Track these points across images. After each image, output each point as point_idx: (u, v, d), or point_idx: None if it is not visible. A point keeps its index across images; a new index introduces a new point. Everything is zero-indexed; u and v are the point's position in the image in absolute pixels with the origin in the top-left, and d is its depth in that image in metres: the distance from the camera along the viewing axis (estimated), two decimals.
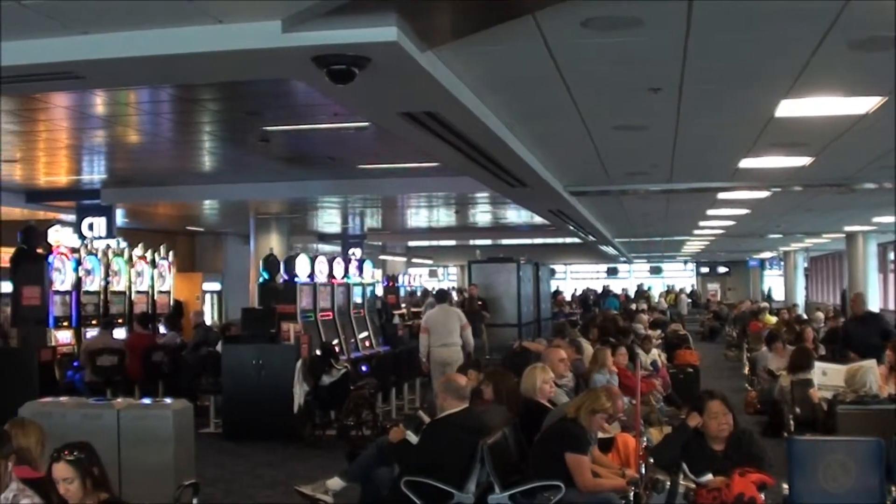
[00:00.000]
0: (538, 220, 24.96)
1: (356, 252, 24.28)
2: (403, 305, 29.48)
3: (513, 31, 6.53)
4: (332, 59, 6.24)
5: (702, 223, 25.56)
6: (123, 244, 18.61)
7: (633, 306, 31.97)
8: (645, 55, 7.44)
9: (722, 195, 17.53)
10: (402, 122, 8.83)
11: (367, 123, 11.98)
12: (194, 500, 5.11)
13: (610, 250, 40.66)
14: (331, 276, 16.49)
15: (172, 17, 5.99)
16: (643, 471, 7.81)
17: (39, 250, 15.95)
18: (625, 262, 53.73)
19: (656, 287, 53.36)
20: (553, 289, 37.42)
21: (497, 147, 10.60)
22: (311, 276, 15.86)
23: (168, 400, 10.76)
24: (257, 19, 5.96)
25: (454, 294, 31.07)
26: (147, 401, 11.39)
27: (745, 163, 13.09)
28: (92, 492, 5.02)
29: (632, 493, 7.57)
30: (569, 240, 35.07)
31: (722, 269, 57.81)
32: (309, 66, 6.34)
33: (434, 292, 22.15)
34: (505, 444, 7.98)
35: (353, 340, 16.60)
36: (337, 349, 14.74)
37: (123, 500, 5.18)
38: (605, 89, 8.83)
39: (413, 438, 8.31)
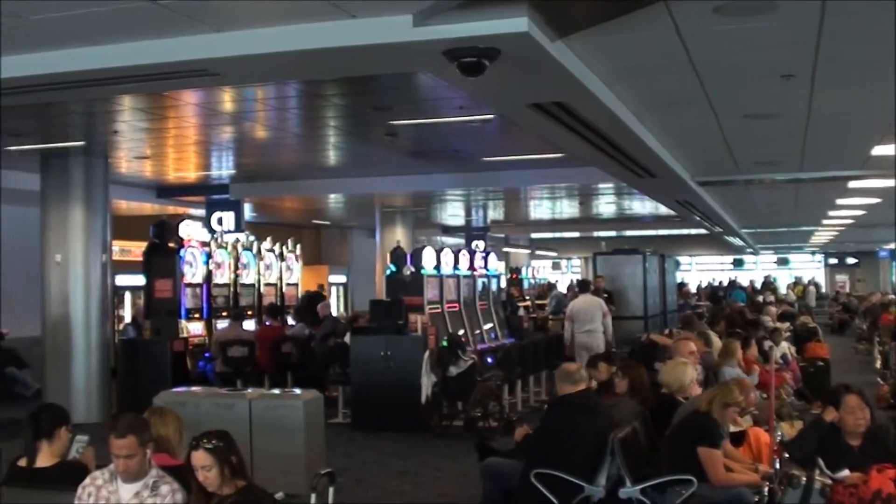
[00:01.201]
0: (663, 210, 24.70)
1: (480, 244, 24.33)
2: (527, 297, 29.41)
3: (644, 18, 6.47)
4: (462, 51, 6.25)
5: (831, 213, 25.01)
6: (252, 238, 18.90)
7: (760, 298, 31.35)
8: (778, 41, 7.31)
9: (853, 184, 17.11)
10: (531, 113, 8.81)
11: (492, 116, 11.98)
12: (330, 490, 5.16)
13: (736, 241, 39.99)
14: (456, 267, 16.51)
15: (306, 13, 6.06)
16: (777, 466, 7.66)
17: (171, 244, 16.29)
18: (751, 253, 52.77)
19: (782, 279, 52.28)
20: (678, 280, 36.93)
21: (625, 137, 10.52)
22: (438, 267, 15.89)
23: (298, 390, 10.92)
24: (389, 14, 6.00)
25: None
26: (278, 391, 11.55)
27: (878, 150, 12.76)
28: (230, 479, 5.08)
29: (766, 489, 7.42)
30: (694, 231, 34.61)
31: (851, 260, 56.34)
32: (439, 60, 6.37)
33: (577, 282, 22.13)
34: (636, 438, 7.90)
35: (478, 332, 16.59)
36: (463, 340, 14.75)
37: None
38: (737, 76, 8.70)
39: None
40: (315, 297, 19.77)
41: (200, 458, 5.06)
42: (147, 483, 5.30)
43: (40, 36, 6.77)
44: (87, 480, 5.45)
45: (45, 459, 5.96)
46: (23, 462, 6.04)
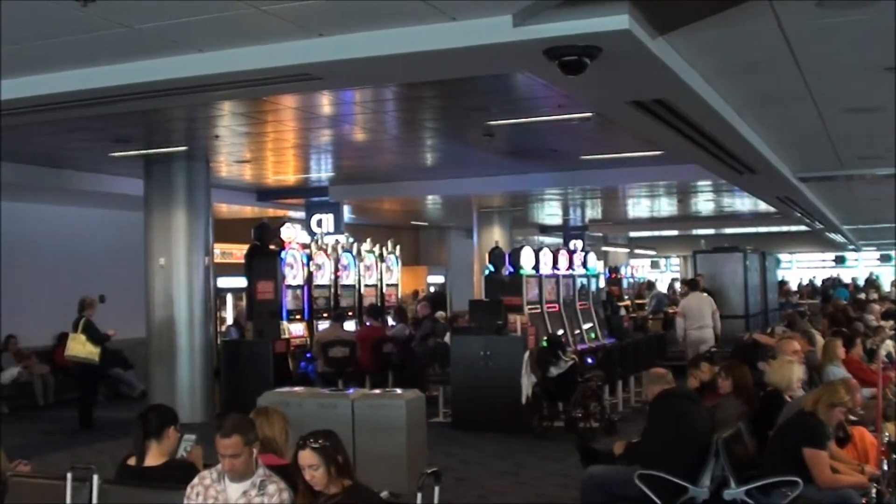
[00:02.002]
0: (763, 207, 24.36)
1: (578, 243, 24.20)
2: (627, 297, 29.19)
3: (746, 13, 6.39)
4: (563, 50, 6.24)
5: None
6: (351, 239, 19.05)
7: (863, 296, 30.70)
8: (881, 33, 7.16)
9: None
10: (631, 111, 8.75)
11: (591, 114, 11.92)
12: (436, 489, 5.17)
13: (837, 238, 39.25)
14: (555, 267, 16.45)
15: (407, 16, 6.09)
16: (885, 467, 7.51)
17: (272, 246, 16.47)
18: (853, 249, 51.73)
19: (885, 276, 51.07)
20: (779, 278, 36.35)
21: (726, 133, 10.40)
22: (537, 267, 15.85)
23: (399, 390, 10.97)
24: (489, 15, 6.01)
25: (677, 285, 30.59)
26: (379, 391, 11.61)
27: None
28: (336, 479, 5.12)
29: (873, 490, 7.29)
30: (794, 227, 34.07)
31: None
32: (540, 59, 6.36)
33: (687, 281, 22.00)
34: (740, 438, 7.79)
35: (578, 332, 16.52)
36: (563, 341, 14.70)
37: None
38: (839, 70, 8.56)
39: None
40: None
41: (307, 457, 5.10)
42: (254, 482, 5.36)
43: (147, 44, 6.90)
44: (196, 480, 5.53)
45: (153, 458, 6.05)
46: (132, 461, 6.14)
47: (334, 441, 5.21)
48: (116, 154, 14.81)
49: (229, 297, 21.62)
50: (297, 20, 6.19)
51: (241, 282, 17.79)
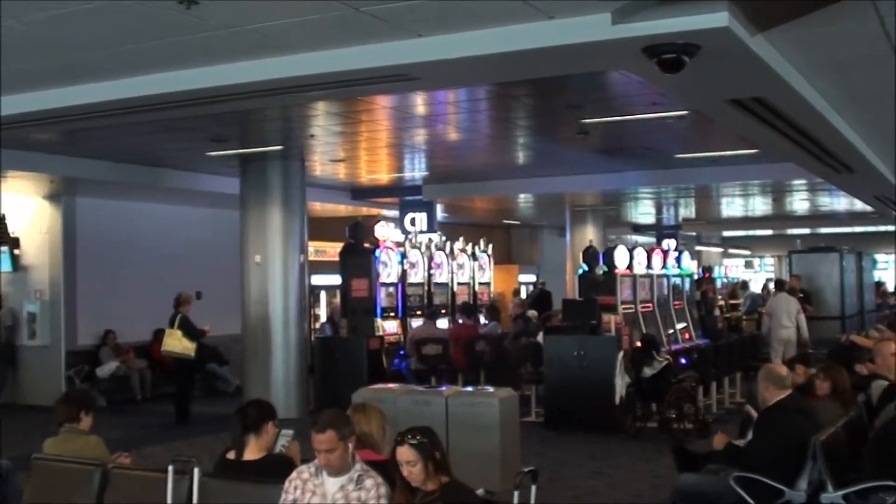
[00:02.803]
0: (859, 206, 23.92)
1: (671, 243, 23.98)
2: (720, 297, 28.86)
3: (847, 10, 6.29)
4: (661, 48, 6.20)
5: None
6: (444, 238, 19.11)
7: None
8: None
9: None
10: (728, 109, 8.66)
11: (686, 112, 11.82)
12: (533, 487, 5.17)
13: None
14: (649, 266, 16.32)
15: (506, 15, 6.10)
16: None
17: (366, 244, 16.59)
18: None
19: None
20: (875, 279, 35.67)
21: (825, 131, 10.25)
22: (630, 267, 15.74)
23: (490, 388, 10.99)
24: (587, 13, 5.99)
25: (771, 286, 30.18)
26: (471, 388, 11.63)
27: None
28: (433, 475, 5.15)
29: None
30: (892, 227, 33.38)
31: None
32: (638, 57, 6.32)
33: (774, 282, 21.80)
34: (838, 441, 7.66)
35: (672, 332, 16.37)
36: (657, 341, 14.58)
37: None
38: None
39: (738, 442, 8.09)
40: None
41: (405, 453, 5.13)
42: (352, 477, 5.41)
43: (245, 46, 6.99)
44: (294, 474, 5.60)
45: (252, 453, 6.15)
46: (231, 455, 6.24)
47: (432, 437, 5.24)
48: (213, 153, 15.03)
49: (323, 295, 21.83)
50: (395, 21, 6.22)
51: (334, 279, 17.96)
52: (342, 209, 22.07)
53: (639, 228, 31.66)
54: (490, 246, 20.06)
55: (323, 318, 20.78)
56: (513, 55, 6.39)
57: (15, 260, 17.68)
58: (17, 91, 8.45)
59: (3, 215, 17.42)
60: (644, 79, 7.95)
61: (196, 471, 5.99)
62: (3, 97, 8.58)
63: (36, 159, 14.84)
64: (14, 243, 17.66)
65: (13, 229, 17.64)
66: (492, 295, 20.23)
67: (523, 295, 26.39)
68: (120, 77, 7.96)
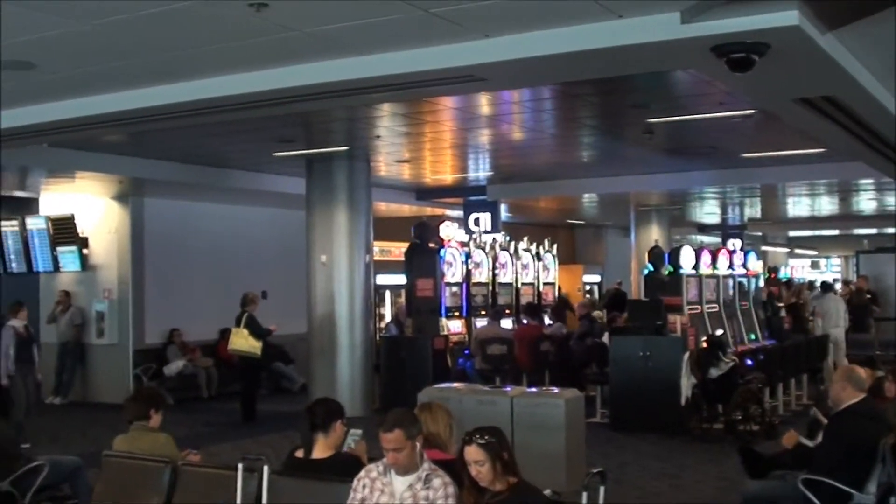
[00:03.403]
0: None
1: (736, 243, 23.76)
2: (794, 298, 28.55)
3: None
4: (731, 47, 6.16)
5: None
6: (508, 238, 19.11)
7: None
8: None
9: None
10: (797, 108, 8.59)
11: (753, 111, 11.72)
12: (601, 489, 5.16)
13: None
14: (715, 267, 16.18)
15: (574, 15, 6.09)
16: None
17: (431, 245, 16.63)
18: None
19: None
20: None
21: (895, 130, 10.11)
22: (696, 267, 15.61)
23: (555, 389, 10.97)
24: (656, 12, 5.96)
25: (838, 286, 29.83)
26: (538, 389, 11.61)
27: None
28: (501, 475, 5.14)
29: None
30: None
31: None
32: (707, 56, 6.29)
33: (819, 284, 21.57)
34: None
35: (738, 333, 16.22)
36: (724, 342, 14.46)
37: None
38: None
39: (807, 442, 8.01)
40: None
41: (473, 453, 5.13)
42: (420, 476, 5.43)
43: (314, 47, 7.04)
44: (362, 472, 5.62)
45: (320, 451, 6.18)
46: (300, 453, 6.28)
47: (500, 437, 5.24)
48: (279, 154, 15.15)
49: (387, 294, 21.92)
50: (464, 21, 6.23)
51: (399, 279, 18.03)
52: (406, 209, 22.13)
53: (704, 228, 31.42)
54: (555, 246, 20.01)
55: (388, 318, 20.86)
56: (581, 55, 6.38)
57: (84, 260, 17.92)
58: (88, 94, 8.57)
59: (73, 215, 17.67)
60: (712, 78, 7.91)
61: (265, 468, 6.04)
62: (74, 100, 8.72)
63: (105, 160, 15.07)
64: (83, 243, 17.91)
65: (82, 229, 17.88)
66: (559, 294, 20.19)
67: (586, 295, 26.34)
68: (189, 79, 8.06)
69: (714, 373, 13.23)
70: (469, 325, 16.93)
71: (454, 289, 16.89)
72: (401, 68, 7.02)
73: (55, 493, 7.91)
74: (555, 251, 19.96)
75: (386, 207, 21.04)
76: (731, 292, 16.63)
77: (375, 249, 17.25)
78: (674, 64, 7.85)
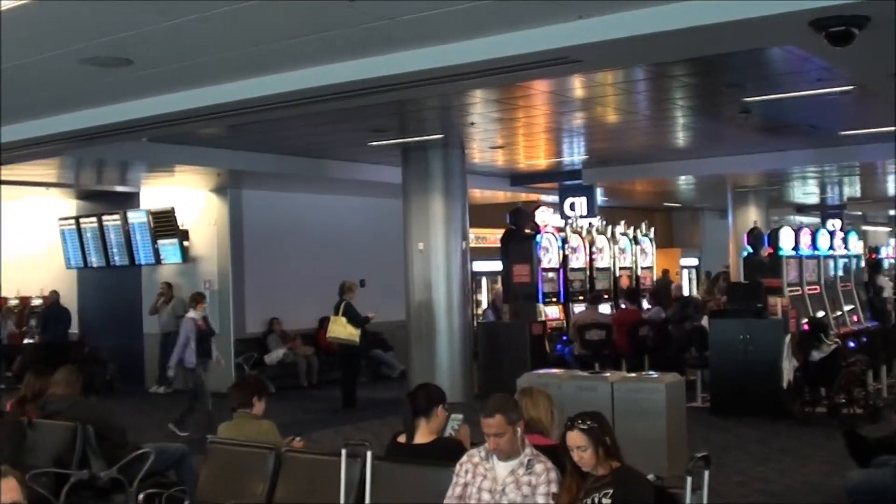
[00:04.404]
0: None
1: (836, 223, 23.39)
2: (888, 278, 27.99)
3: None
4: (830, 21, 6.04)
5: None
6: (604, 222, 19.02)
7: None
8: None
9: None
10: None
11: (851, 87, 11.49)
12: (705, 473, 5.11)
13: None
14: (815, 247, 15.92)
15: None
16: None
17: (528, 230, 16.62)
18: None
19: None
20: None
21: None
22: (796, 248, 15.37)
23: (654, 373, 10.90)
24: None
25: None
26: (638, 374, 11.54)
27: None
28: (604, 460, 5.13)
29: None
30: None
31: None
32: (805, 31, 6.17)
33: None
34: None
35: (839, 315, 15.94)
36: (826, 324, 14.23)
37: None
38: None
39: None
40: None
41: (576, 438, 5.13)
42: (522, 461, 5.43)
43: (408, 35, 7.06)
44: (465, 458, 5.65)
45: (423, 436, 6.22)
46: (402, 438, 6.33)
47: (602, 422, 5.23)
48: (375, 143, 15.24)
49: (484, 281, 21.95)
50: (557, 3, 6.20)
51: (495, 265, 18.07)
52: (501, 195, 22.13)
53: (802, 209, 30.94)
54: (652, 229, 19.85)
55: (484, 304, 20.89)
56: (677, 33, 6.29)
57: (185, 252, 18.23)
58: (186, 88, 8.70)
59: (173, 208, 17.97)
60: (810, 54, 7.77)
61: (368, 454, 6.10)
62: (172, 94, 8.86)
63: (203, 154, 15.32)
64: (183, 236, 18.22)
65: (182, 222, 18.19)
66: (657, 277, 20.04)
67: (685, 280, 26.11)
68: (284, 71, 8.14)
69: (816, 355, 13.05)
70: (567, 311, 16.90)
71: (551, 274, 16.87)
72: (493, 53, 7.00)
73: (161, 479, 8.03)
74: (652, 235, 19.80)
75: (480, 194, 21.07)
76: (832, 273, 16.35)
77: (471, 236, 17.28)
78: (772, 40, 7.71)
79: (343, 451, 6.19)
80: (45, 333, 19.10)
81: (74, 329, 20.42)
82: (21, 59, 7.37)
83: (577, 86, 11.97)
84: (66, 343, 19.08)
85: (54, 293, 19.64)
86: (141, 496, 7.26)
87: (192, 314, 13.72)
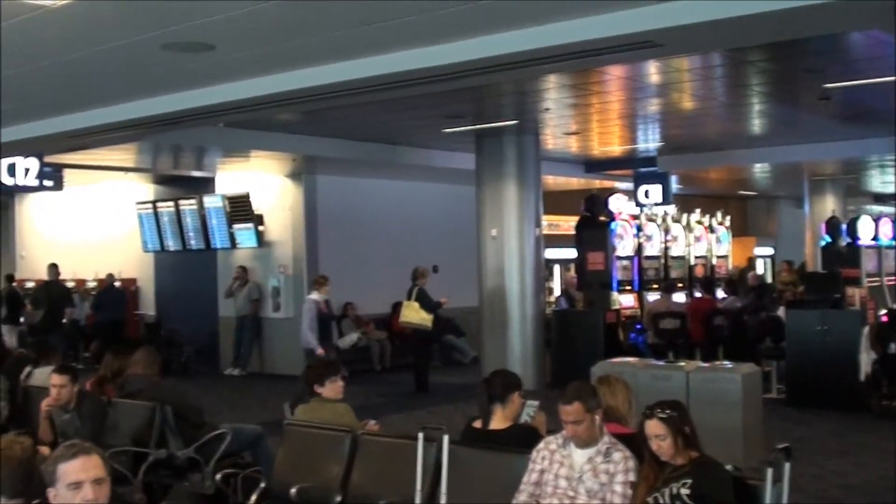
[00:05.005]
0: None
1: None
2: None
3: None
4: None
5: None
6: (678, 210, 18.89)
7: None
8: None
9: None
10: None
11: None
12: (786, 465, 5.06)
13: None
14: (895, 238, 15.68)
15: None
16: None
17: (602, 218, 16.55)
18: None
19: None
20: None
21: None
22: (875, 238, 15.15)
23: (729, 363, 10.81)
24: None
25: None
26: (716, 364, 11.43)
27: None
28: (683, 450, 5.10)
29: None
30: None
31: None
32: (890, 14, 6.03)
33: None
34: None
35: None
36: None
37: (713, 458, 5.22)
38: None
39: None
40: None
41: (654, 427, 5.10)
42: (600, 449, 5.42)
43: (483, 20, 7.02)
44: (541, 444, 5.65)
45: (498, 422, 6.22)
46: (477, 423, 6.34)
47: (681, 411, 5.20)
48: (449, 130, 15.24)
49: (556, 268, 21.90)
50: None
51: (567, 253, 18.03)
52: (574, 182, 22.04)
53: (881, 198, 30.44)
54: (727, 218, 19.66)
55: (556, 292, 20.85)
56: (761, 17, 6.13)
57: (260, 236, 18.40)
58: (264, 74, 8.75)
59: (248, 193, 18.14)
60: (893, 38, 7.62)
61: (445, 438, 6.11)
62: (250, 80, 8.92)
63: (278, 139, 15.43)
64: (258, 220, 18.38)
65: (257, 207, 18.34)
66: (741, 266, 19.88)
67: (760, 269, 25.85)
68: (362, 56, 8.14)
69: (894, 348, 12.85)
70: (640, 299, 16.82)
71: (625, 262, 16.80)
72: (575, 37, 6.93)
73: (237, 460, 8.14)
74: (727, 223, 19.61)
75: (553, 181, 20.99)
76: None
77: (544, 223, 17.24)
78: (855, 24, 7.57)
79: (420, 435, 6.21)
80: (99, 314, 19.34)
81: (151, 311, 20.75)
82: (104, 44, 7.44)
83: (653, 71, 11.86)
84: (120, 324, 19.54)
85: (109, 276, 19.95)
86: (218, 476, 7.37)
87: (314, 296, 13.64)
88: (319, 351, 13.44)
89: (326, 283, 14.05)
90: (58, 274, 18.82)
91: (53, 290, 18.54)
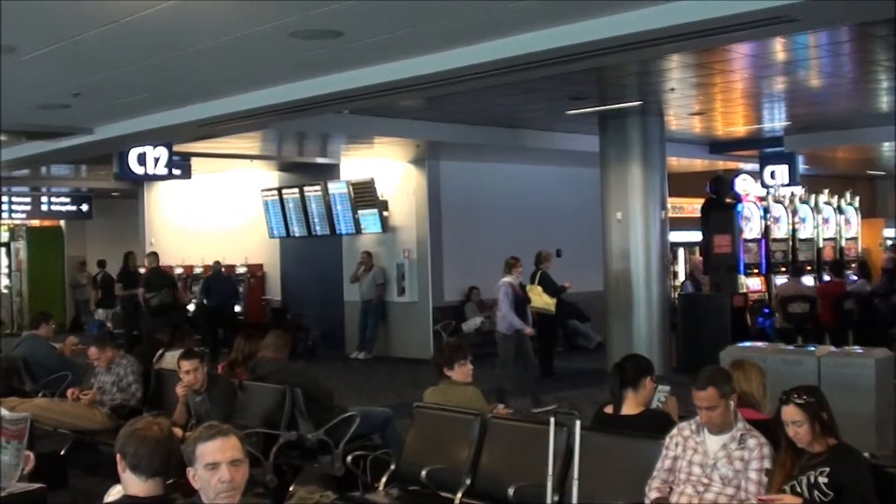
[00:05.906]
0: None
1: None
2: None
3: None
4: None
5: None
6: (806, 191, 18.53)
7: None
8: None
9: None
10: None
11: None
12: None
13: None
14: None
15: None
16: None
17: (728, 199, 16.31)
18: None
19: None
20: None
21: None
22: None
23: (860, 349, 10.57)
24: None
25: None
26: (847, 349, 11.19)
27: None
28: (820, 436, 5.00)
29: None
30: None
31: None
32: None
33: None
34: None
35: None
36: None
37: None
38: None
39: None
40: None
41: (792, 413, 5.01)
42: (734, 436, 5.34)
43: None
44: (675, 430, 5.59)
45: (630, 407, 6.19)
46: (609, 409, 6.31)
47: (819, 397, 5.10)
48: (572, 112, 15.14)
49: (681, 252, 21.65)
50: None
51: (691, 236, 17.80)
52: (698, 164, 21.73)
53: None
54: (857, 198, 19.20)
55: (681, 276, 20.62)
56: None
57: (384, 222, 18.55)
58: (390, 60, 8.80)
59: (372, 179, 18.29)
60: None
61: (577, 423, 6.09)
62: (375, 66, 8.97)
63: (402, 125, 15.53)
64: (383, 206, 18.53)
65: (382, 192, 18.49)
66: (861, 251, 19.43)
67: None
68: (485, 40, 8.14)
69: None
70: (768, 283, 16.54)
71: (752, 245, 16.53)
72: (706, 14, 6.80)
73: (366, 442, 8.23)
74: (857, 204, 19.16)
75: (677, 163, 20.72)
76: None
77: (668, 206, 17.05)
78: None
79: (552, 420, 6.20)
80: (208, 300, 19.64)
81: (277, 297, 21.07)
82: (233, 34, 7.56)
83: (779, 49, 11.60)
84: (230, 308, 19.87)
85: (216, 263, 20.11)
86: (348, 458, 7.47)
87: (508, 279, 13.51)
88: (528, 330, 13.25)
89: (518, 264, 13.80)
90: (158, 261, 18.97)
91: (154, 279, 18.53)
